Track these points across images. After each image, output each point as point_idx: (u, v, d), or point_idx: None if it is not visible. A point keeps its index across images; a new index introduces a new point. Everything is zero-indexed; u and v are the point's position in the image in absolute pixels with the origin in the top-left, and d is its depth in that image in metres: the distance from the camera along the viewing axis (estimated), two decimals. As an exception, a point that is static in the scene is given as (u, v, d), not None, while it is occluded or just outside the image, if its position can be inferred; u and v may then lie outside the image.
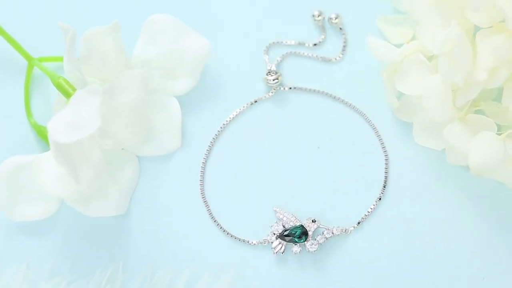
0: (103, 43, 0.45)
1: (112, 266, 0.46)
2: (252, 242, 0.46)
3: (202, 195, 0.47)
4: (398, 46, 0.46)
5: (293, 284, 0.45)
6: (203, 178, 0.48)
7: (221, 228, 0.47)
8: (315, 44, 0.51)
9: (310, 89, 0.49)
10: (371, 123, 0.48)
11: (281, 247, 0.45)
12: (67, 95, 0.45)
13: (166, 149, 0.48)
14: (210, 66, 0.50)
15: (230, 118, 0.49)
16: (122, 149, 0.47)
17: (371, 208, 0.46)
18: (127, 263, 0.46)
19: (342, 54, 0.50)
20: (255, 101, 0.49)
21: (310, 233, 0.45)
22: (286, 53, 0.51)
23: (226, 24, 0.51)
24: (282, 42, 0.51)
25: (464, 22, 0.44)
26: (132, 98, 0.45)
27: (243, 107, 0.49)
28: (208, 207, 0.47)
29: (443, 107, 0.43)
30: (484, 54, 0.42)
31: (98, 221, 0.46)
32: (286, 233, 0.45)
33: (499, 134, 0.43)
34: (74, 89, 0.45)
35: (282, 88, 0.50)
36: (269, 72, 0.49)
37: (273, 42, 0.51)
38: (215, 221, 0.47)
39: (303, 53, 0.51)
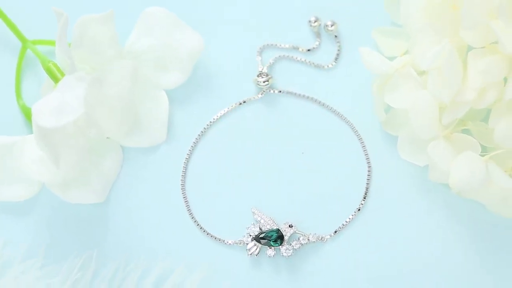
0: (97, 31, 0.45)
1: (86, 254, 0.46)
2: (228, 242, 0.46)
3: (183, 191, 0.47)
4: (392, 58, 0.46)
5: (265, 286, 0.45)
6: (185, 173, 0.48)
7: (198, 225, 0.46)
8: (309, 50, 0.51)
9: (299, 94, 0.49)
10: (357, 133, 0.48)
11: (256, 249, 0.45)
12: (56, 79, 0.45)
13: (151, 141, 0.48)
14: (203, 63, 0.50)
15: (217, 116, 0.49)
16: (107, 138, 0.47)
17: (349, 218, 0.46)
18: (102, 251, 0.46)
19: (335, 62, 0.50)
20: (244, 102, 0.49)
21: (286, 237, 0.45)
22: (279, 56, 0.50)
23: (222, 22, 0.51)
24: (276, 44, 0.51)
25: (458, 41, 0.43)
26: (121, 88, 0.45)
27: (231, 106, 0.49)
28: (187, 203, 0.47)
29: (429, 124, 0.43)
30: (474, 73, 0.42)
31: (77, 208, 0.47)
32: (262, 235, 0.45)
33: (483, 155, 0.43)
34: (63, 75, 0.45)
35: (271, 91, 0.49)
36: (260, 73, 0.49)
37: (267, 44, 0.51)
38: (192, 218, 0.47)
39: (296, 58, 0.50)
